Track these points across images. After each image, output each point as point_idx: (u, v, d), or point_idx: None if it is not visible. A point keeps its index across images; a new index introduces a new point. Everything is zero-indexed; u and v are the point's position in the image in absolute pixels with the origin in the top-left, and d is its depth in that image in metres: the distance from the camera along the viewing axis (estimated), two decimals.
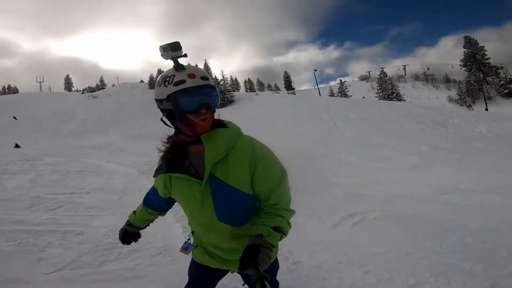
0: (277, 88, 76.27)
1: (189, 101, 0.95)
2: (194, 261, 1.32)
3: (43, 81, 59.81)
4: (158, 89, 1.01)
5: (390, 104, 24.86)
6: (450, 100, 47.60)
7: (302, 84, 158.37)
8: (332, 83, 75.79)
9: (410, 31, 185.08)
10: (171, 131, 1.12)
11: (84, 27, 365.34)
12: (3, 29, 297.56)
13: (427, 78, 61.48)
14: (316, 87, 49.56)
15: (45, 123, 24.47)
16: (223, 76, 32.90)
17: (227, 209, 1.07)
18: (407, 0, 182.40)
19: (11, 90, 63.88)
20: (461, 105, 41.68)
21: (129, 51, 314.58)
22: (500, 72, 50.11)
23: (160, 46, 1.00)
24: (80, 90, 60.06)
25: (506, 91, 45.31)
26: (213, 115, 1.04)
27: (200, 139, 1.02)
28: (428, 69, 63.58)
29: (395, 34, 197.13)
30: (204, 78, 0.99)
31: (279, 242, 1.04)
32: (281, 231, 1.00)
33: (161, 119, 1.09)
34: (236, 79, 72.26)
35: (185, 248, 1.33)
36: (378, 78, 46.34)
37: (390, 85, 41.85)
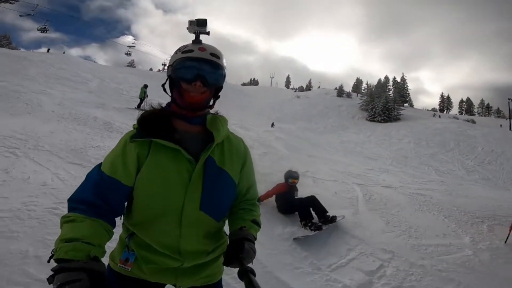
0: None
1: (186, 68, 0.97)
2: (124, 276, 1.01)
3: (273, 77, 76.01)
4: (172, 56, 1.03)
5: None
6: None
7: None
8: None
9: None
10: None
11: (295, 31, 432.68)
12: (247, 31, 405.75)
13: None
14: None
15: (264, 111, 30.97)
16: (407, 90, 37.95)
17: (214, 196, 1.01)
18: None
19: (254, 82, 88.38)
20: None
21: (331, 55, 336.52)
22: None
23: (189, 20, 0.99)
24: (294, 88, 70.88)
25: None
26: (214, 99, 1.08)
27: (200, 119, 1.04)
28: None
29: None
30: (214, 55, 1.00)
31: None
32: (258, 224, 1.10)
33: (162, 86, 1.06)
34: (448, 96, 63.10)
35: (125, 261, 1.00)
36: None
37: None
